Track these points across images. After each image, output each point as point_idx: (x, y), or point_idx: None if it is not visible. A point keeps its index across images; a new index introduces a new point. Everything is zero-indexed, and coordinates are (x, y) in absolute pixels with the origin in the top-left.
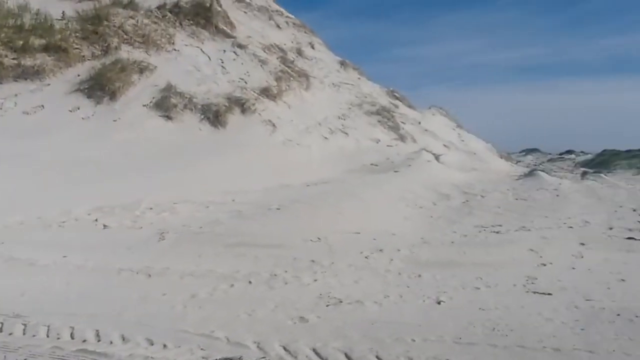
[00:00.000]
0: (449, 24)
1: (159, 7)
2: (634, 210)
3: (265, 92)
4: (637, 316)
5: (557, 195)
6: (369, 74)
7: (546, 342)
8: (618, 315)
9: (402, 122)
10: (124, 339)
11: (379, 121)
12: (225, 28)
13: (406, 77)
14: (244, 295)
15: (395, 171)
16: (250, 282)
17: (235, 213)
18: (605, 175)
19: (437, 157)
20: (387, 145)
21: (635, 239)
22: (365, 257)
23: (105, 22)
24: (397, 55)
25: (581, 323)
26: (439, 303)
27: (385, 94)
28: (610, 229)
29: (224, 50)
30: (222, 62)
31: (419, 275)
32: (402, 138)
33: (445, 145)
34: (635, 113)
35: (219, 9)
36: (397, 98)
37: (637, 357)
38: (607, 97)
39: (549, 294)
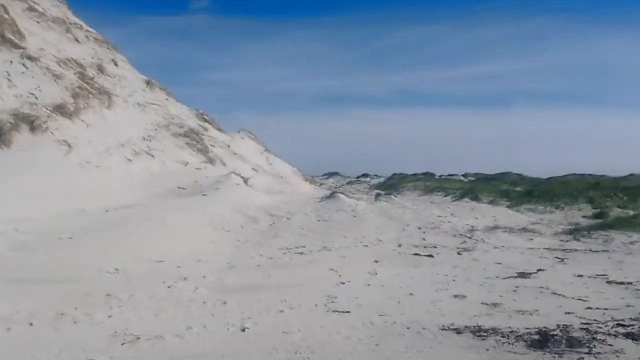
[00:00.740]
0: (257, 51)
1: None
2: (419, 229)
3: (60, 109)
4: (424, 328)
5: (354, 216)
6: (178, 96)
7: None
8: (408, 328)
9: (212, 145)
10: None
11: (188, 143)
12: (13, 38)
13: (216, 101)
14: (23, 340)
15: (204, 194)
16: (31, 324)
17: (18, 244)
18: (395, 196)
19: (245, 180)
20: (196, 168)
21: (420, 255)
22: (168, 287)
23: None
24: (207, 79)
25: (376, 339)
26: (243, 330)
27: (195, 116)
28: (400, 246)
29: (11, 62)
30: (9, 75)
31: (224, 302)
32: (211, 161)
33: (253, 169)
34: (419, 141)
35: (6, 16)
36: (206, 121)
37: None
38: (397, 127)
39: (348, 311)
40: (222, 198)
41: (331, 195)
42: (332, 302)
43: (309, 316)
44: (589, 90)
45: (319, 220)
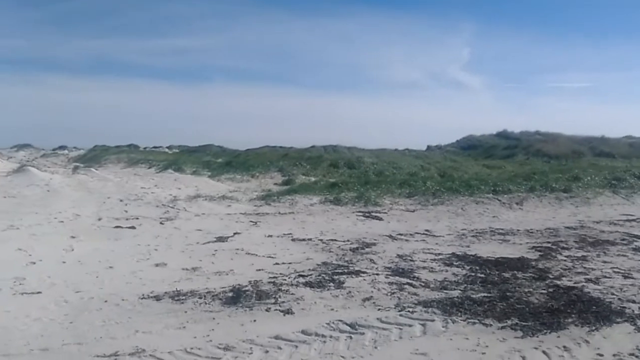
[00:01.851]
0: None
1: None
2: (121, 201)
3: None
4: (123, 299)
5: (49, 191)
6: None
7: (33, 343)
8: (106, 301)
9: None
10: None
11: None
12: None
13: None
14: None
15: None
16: None
17: None
18: (96, 169)
19: None
20: None
21: (121, 227)
22: None
23: None
24: None
25: (70, 317)
26: None
27: None
28: (100, 219)
29: None
30: None
31: None
32: None
33: None
34: (122, 112)
35: None
36: None
37: (122, 339)
38: (97, 96)
39: (39, 292)
40: None
41: (20, 169)
42: (20, 284)
43: None
44: (279, 69)
45: (5, 197)
